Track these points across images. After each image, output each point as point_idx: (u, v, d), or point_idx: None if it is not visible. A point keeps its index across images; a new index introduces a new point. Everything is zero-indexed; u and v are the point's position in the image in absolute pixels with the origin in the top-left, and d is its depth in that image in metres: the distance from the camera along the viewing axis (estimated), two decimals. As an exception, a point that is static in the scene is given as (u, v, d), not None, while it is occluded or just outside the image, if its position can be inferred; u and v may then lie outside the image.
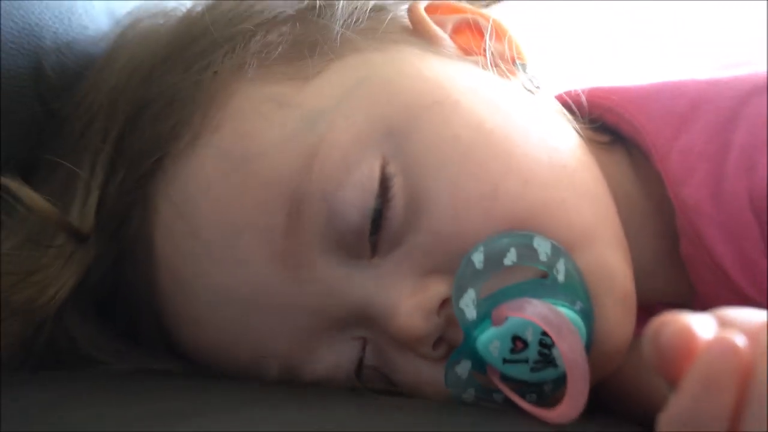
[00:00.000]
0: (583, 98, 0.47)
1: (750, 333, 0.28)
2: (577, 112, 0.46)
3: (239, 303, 0.39)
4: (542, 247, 0.38)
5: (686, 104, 0.44)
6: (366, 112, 0.40)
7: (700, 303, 0.43)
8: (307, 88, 0.41)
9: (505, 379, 0.39)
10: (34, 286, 0.40)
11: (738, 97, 0.43)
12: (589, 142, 0.45)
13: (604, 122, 0.47)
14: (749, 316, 0.30)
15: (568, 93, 0.47)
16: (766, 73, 0.44)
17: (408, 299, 0.38)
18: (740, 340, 0.27)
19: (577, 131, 0.45)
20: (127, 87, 0.42)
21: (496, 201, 0.38)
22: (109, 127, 0.41)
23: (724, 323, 0.29)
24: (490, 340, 0.38)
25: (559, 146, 0.42)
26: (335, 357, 0.40)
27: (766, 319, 0.29)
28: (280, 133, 0.39)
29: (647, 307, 0.41)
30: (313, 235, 0.38)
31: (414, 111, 0.40)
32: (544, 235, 0.38)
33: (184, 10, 0.47)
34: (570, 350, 0.36)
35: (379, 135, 0.39)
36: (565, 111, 0.46)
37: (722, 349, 0.27)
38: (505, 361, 0.38)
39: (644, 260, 0.43)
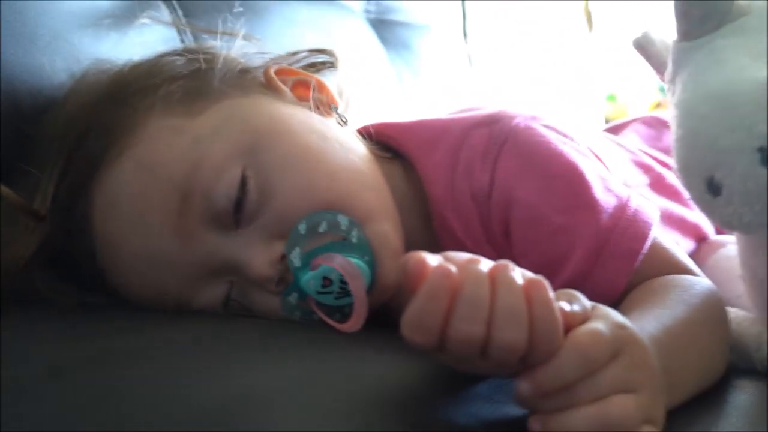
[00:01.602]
0: (372, 131, 0.68)
1: (460, 264, 0.40)
2: (368, 139, 0.68)
3: (149, 260, 0.58)
4: (342, 221, 0.58)
5: (434, 135, 0.66)
6: (232, 137, 0.59)
7: None
8: (195, 121, 0.59)
9: (319, 305, 0.57)
10: (8, 249, 0.58)
11: (463, 130, 0.65)
12: (376, 156, 0.66)
13: (388, 144, 0.69)
14: (462, 255, 0.43)
15: (365, 127, 0.69)
16: (482, 115, 0.66)
17: (259, 255, 0.57)
18: (453, 268, 0.39)
19: (369, 149, 0.66)
20: (77, 118, 0.61)
21: (313, 191, 0.58)
22: (63, 145, 0.60)
23: (447, 259, 0.42)
24: (308, 279, 0.56)
25: (355, 158, 0.63)
26: (213, 293, 0.59)
27: (470, 257, 0.42)
28: (175, 150, 0.58)
29: None
30: (197, 215, 0.57)
31: (263, 136, 0.60)
32: (344, 214, 0.58)
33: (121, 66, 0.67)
34: (356, 286, 0.55)
35: (240, 151, 0.58)
36: (361, 137, 0.67)
37: (441, 271, 0.39)
38: (318, 293, 0.56)
39: (411, 230, 0.63)
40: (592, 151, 0.66)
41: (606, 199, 0.59)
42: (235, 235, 0.58)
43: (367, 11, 1.23)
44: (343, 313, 0.57)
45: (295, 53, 0.70)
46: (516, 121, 0.63)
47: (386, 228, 0.60)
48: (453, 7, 1.45)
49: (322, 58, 0.71)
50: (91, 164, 0.59)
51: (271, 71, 0.65)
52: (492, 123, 0.64)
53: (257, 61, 0.68)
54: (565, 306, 0.41)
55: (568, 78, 1.68)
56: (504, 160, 0.62)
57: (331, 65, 0.71)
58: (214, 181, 0.57)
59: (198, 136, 0.59)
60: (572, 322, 0.40)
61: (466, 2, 1.49)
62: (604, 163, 0.67)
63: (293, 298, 0.58)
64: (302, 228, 0.57)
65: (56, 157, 0.60)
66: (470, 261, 0.41)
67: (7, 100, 0.65)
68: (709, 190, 0.43)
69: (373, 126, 0.69)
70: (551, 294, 0.40)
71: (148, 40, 0.74)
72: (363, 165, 0.63)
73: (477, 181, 0.62)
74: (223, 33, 0.69)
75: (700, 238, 0.80)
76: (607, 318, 0.42)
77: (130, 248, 0.59)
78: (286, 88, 0.65)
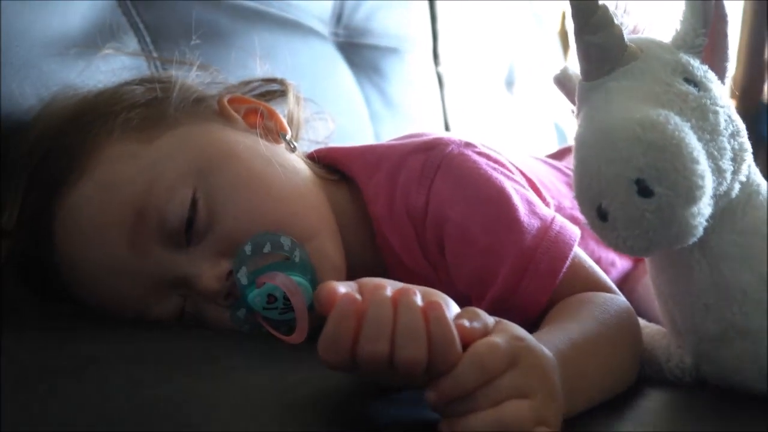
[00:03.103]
0: (317, 155, 0.74)
1: (367, 290, 0.45)
2: (316, 162, 0.73)
3: (107, 273, 0.63)
4: (285, 242, 0.62)
5: (376, 159, 0.71)
6: (184, 161, 0.63)
7: (390, 272, 0.69)
8: (150, 147, 0.64)
9: (265, 319, 0.62)
10: None
11: (402, 155, 0.70)
12: (322, 179, 0.71)
13: (335, 167, 0.74)
14: (372, 281, 0.47)
15: (316, 150, 0.75)
16: (420, 141, 0.71)
17: (208, 271, 0.62)
18: (358, 295, 0.44)
19: (315, 173, 0.71)
20: (42, 140, 0.65)
21: (258, 214, 0.63)
22: (29, 164, 0.64)
23: (359, 285, 0.47)
24: (255, 296, 0.61)
25: (298, 180, 0.68)
26: (169, 305, 0.64)
27: (378, 283, 0.47)
28: (131, 172, 0.63)
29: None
30: (151, 232, 0.62)
31: (212, 161, 0.64)
32: (287, 235, 0.63)
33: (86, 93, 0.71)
34: (297, 302, 0.60)
35: (191, 174, 0.63)
36: (310, 160, 0.72)
37: (347, 298, 0.44)
38: (264, 308, 0.61)
39: (357, 246, 0.69)
40: (524, 174, 0.71)
41: (530, 222, 0.64)
42: (186, 252, 0.63)
43: (335, 34, 1.27)
44: (289, 326, 0.62)
45: (248, 82, 0.76)
46: (450, 148, 0.68)
47: (327, 246, 0.65)
48: (423, 29, 1.49)
49: (274, 86, 0.76)
50: (54, 183, 0.64)
51: (224, 100, 0.70)
52: (428, 149, 0.69)
53: (213, 90, 0.72)
54: (466, 323, 0.45)
55: (540, 99, 1.72)
56: (438, 183, 0.67)
57: (281, 93, 0.75)
58: (166, 201, 0.62)
59: (153, 160, 0.64)
60: (472, 337, 0.45)
61: (437, 23, 1.54)
62: (536, 185, 0.72)
63: (241, 313, 0.63)
64: (248, 249, 0.62)
65: (22, 175, 0.64)
66: (376, 287, 0.46)
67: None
68: (599, 216, 0.48)
69: (319, 150, 0.75)
70: (448, 313, 0.44)
71: (114, 67, 0.77)
72: (305, 188, 0.68)
73: (413, 201, 0.68)
74: (181, 62, 0.73)
75: (637, 258, 0.85)
76: (506, 332, 0.46)
77: (90, 262, 0.63)
78: (238, 116, 0.70)
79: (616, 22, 0.51)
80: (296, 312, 0.60)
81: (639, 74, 0.51)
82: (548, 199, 0.73)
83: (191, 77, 0.73)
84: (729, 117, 0.53)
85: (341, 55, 1.25)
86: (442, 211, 0.66)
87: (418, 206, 0.67)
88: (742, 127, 0.55)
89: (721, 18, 0.54)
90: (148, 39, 0.89)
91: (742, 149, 0.54)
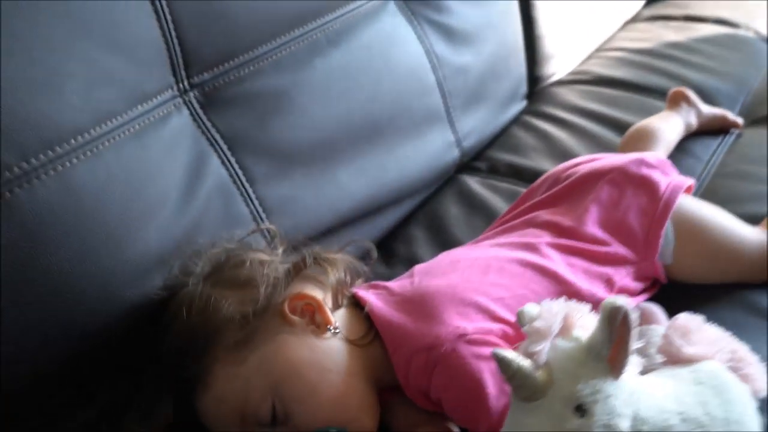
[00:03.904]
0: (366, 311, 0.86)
1: None
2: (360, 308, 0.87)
3: None
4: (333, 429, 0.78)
5: (398, 340, 0.83)
6: (263, 379, 0.80)
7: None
8: (243, 367, 0.80)
9: None
10: None
11: (410, 353, 0.81)
12: (361, 347, 0.84)
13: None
14: None
15: (362, 299, 0.88)
16: (423, 344, 0.80)
17: None
18: None
19: (353, 343, 0.84)
20: (176, 342, 0.83)
21: (316, 416, 0.79)
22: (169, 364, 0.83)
23: None
24: None
25: (344, 378, 0.82)
26: None
27: None
28: (234, 389, 0.80)
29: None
30: (251, 424, 0.79)
31: (283, 378, 0.80)
32: (334, 425, 0.78)
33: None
34: None
35: (269, 388, 0.79)
36: (347, 341, 0.84)
37: None
38: None
39: (385, 376, 0.83)
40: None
41: (498, 404, 0.76)
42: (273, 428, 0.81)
43: None
44: None
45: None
46: (444, 347, 0.79)
47: (364, 422, 0.82)
48: None
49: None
50: (189, 390, 0.82)
51: (285, 308, 0.83)
52: (429, 350, 0.80)
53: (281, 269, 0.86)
54: None
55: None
56: (435, 378, 0.80)
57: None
58: (256, 408, 0.80)
59: (245, 378, 0.80)
60: None
61: None
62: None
63: None
64: None
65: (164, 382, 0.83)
66: None
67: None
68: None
69: (368, 308, 0.86)
70: None
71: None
72: (348, 381, 0.82)
73: (421, 384, 0.82)
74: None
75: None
76: None
77: None
78: (297, 321, 0.83)
79: (529, 373, 0.63)
80: None
81: (538, 410, 0.63)
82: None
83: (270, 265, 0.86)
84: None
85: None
86: (438, 395, 0.81)
87: (423, 387, 0.82)
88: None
89: (626, 330, 0.62)
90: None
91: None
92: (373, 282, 0.92)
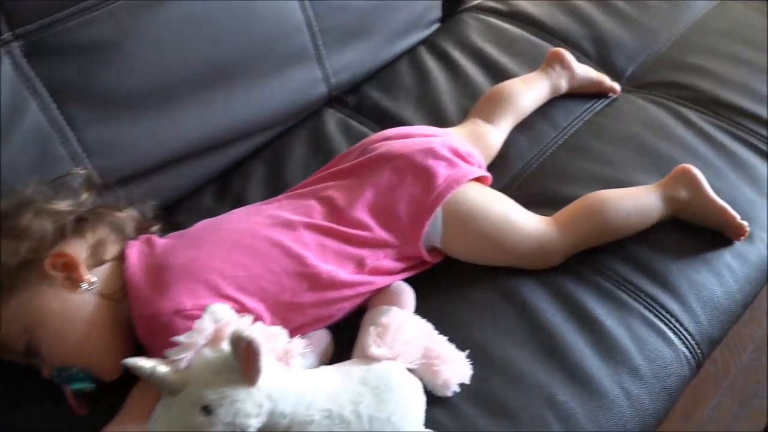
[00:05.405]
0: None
1: None
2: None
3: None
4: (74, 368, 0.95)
5: None
6: (19, 324, 0.94)
7: None
8: (7, 308, 0.94)
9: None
10: None
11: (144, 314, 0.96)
12: (113, 300, 0.97)
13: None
14: None
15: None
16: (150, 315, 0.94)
17: (43, 370, 0.96)
18: None
19: (105, 297, 0.97)
20: None
21: (59, 355, 0.95)
22: None
23: None
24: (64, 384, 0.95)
25: (85, 327, 0.96)
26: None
27: None
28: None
29: None
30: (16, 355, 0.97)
31: (36, 324, 0.94)
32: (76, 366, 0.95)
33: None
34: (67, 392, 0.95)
35: (24, 330, 0.94)
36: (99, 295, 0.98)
37: None
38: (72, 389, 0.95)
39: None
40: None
41: None
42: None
43: None
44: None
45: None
46: (162, 319, 0.92)
47: (98, 363, 0.96)
48: None
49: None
50: None
51: (47, 265, 0.96)
52: (151, 318, 0.94)
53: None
54: None
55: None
56: (155, 343, 0.93)
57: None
58: (13, 344, 0.95)
59: (6, 318, 0.94)
60: None
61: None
62: None
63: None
64: (55, 371, 0.96)
65: None
66: None
67: None
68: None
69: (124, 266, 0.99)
70: None
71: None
72: (93, 330, 0.96)
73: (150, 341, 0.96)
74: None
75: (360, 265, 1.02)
76: None
77: None
78: (56, 274, 0.96)
79: (163, 376, 0.78)
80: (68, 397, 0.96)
81: (173, 406, 0.78)
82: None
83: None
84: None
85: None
86: (161, 354, 0.88)
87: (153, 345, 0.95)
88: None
89: (252, 352, 0.76)
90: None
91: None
92: (148, 236, 1.04)
